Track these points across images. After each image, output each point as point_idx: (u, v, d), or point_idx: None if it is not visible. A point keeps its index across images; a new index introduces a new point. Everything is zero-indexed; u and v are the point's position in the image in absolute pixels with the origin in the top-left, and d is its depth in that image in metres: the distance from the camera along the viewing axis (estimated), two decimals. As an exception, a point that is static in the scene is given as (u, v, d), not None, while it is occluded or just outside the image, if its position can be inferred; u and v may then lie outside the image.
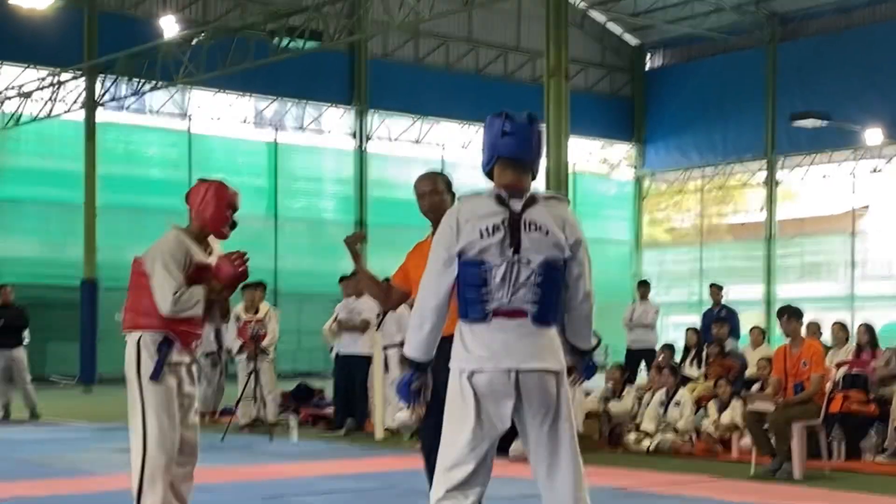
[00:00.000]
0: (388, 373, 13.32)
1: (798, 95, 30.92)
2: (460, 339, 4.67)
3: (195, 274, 6.17)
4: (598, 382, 17.02)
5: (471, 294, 4.61)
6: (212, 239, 6.43)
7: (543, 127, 4.89)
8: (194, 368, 6.35)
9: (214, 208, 6.29)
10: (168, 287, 6.04)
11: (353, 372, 13.92)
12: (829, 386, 11.04)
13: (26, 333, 17.03)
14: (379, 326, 13.61)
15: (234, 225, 6.37)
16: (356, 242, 6.14)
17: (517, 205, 4.63)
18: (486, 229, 4.59)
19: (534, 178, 4.80)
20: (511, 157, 4.71)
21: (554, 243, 4.65)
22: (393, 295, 6.12)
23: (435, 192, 5.95)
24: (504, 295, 4.59)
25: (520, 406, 4.63)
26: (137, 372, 6.08)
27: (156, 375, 6.06)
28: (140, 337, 6.13)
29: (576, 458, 4.74)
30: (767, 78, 32.28)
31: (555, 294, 4.68)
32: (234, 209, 6.36)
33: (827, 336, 14.17)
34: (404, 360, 4.90)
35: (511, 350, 4.59)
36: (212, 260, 6.32)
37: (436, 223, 5.72)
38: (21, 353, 16.69)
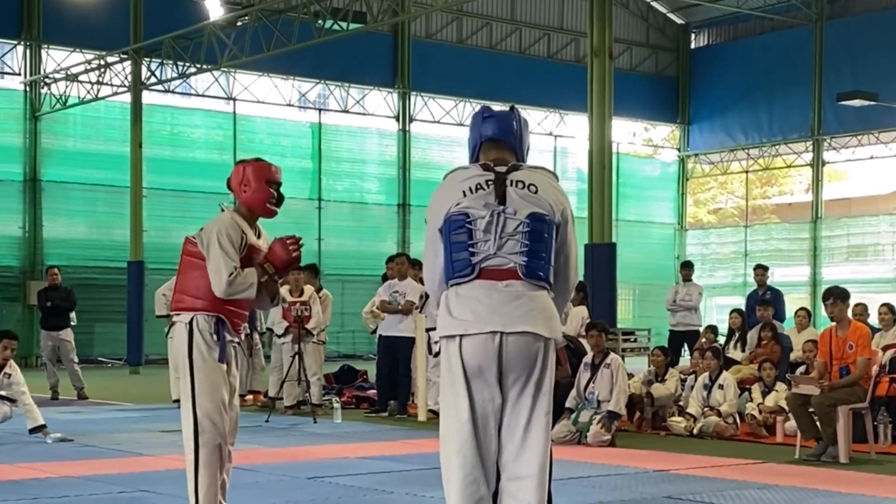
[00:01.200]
0: (431, 355, 13.34)
1: (845, 74, 30.56)
2: (445, 307, 4.56)
3: (248, 256, 6.13)
4: (642, 365, 16.98)
5: (456, 250, 4.54)
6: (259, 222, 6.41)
7: (524, 119, 4.98)
8: (239, 350, 6.38)
9: (255, 187, 6.20)
10: (224, 268, 5.98)
11: (395, 354, 13.96)
12: (875, 369, 10.93)
13: (73, 315, 17.22)
14: (422, 309, 13.63)
15: (279, 200, 6.28)
16: None
17: (501, 168, 4.71)
18: (470, 188, 4.63)
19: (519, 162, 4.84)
20: (493, 138, 4.82)
21: (542, 201, 4.63)
22: None
23: None
24: (490, 246, 4.52)
25: (506, 375, 4.48)
26: (189, 355, 6.05)
27: (222, 358, 6.06)
28: (192, 318, 6.09)
29: (547, 440, 4.55)
30: (814, 57, 31.92)
31: (544, 248, 4.59)
32: (277, 184, 6.26)
33: (874, 318, 14.03)
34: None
35: (497, 312, 4.46)
36: (262, 243, 6.28)
37: None
38: (69, 335, 16.88)
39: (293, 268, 6.37)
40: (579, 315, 13.47)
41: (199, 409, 6.03)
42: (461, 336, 4.47)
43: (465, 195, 4.60)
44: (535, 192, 4.63)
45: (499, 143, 4.82)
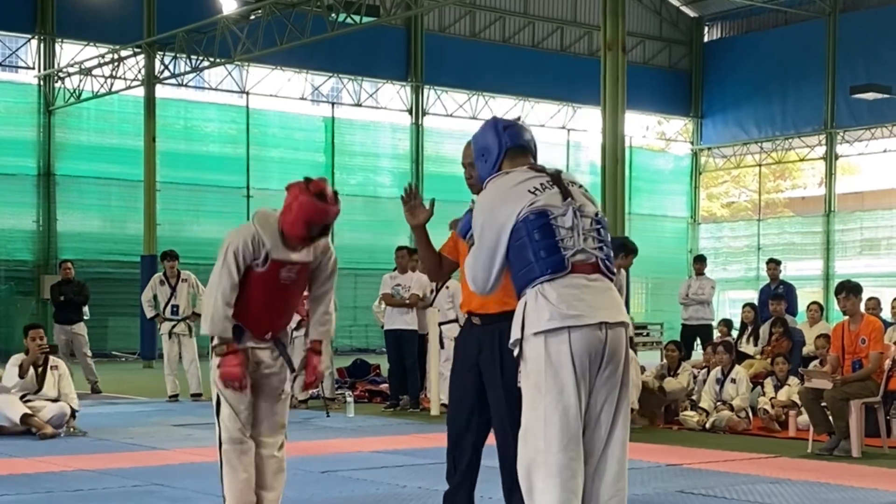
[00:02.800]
0: (443, 349, 13.34)
1: (859, 68, 30.46)
2: (544, 300, 4.44)
3: (270, 270, 5.89)
4: (654, 359, 16.97)
5: (544, 248, 4.48)
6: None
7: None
8: (273, 353, 6.18)
9: (293, 220, 5.84)
10: (217, 287, 5.87)
11: (402, 347, 13.95)
12: (888, 363, 10.90)
13: (86, 309, 17.29)
14: (432, 303, 13.62)
15: (319, 235, 5.95)
16: (413, 198, 5.76)
17: (551, 170, 4.71)
18: (535, 188, 4.58)
19: None
20: (518, 146, 4.82)
21: (594, 199, 4.74)
22: (444, 265, 5.99)
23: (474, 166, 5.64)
24: (577, 241, 4.51)
25: (600, 366, 4.45)
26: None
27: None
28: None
29: (627, 432, 4.60)
30: (828, 50, 31.81)
31: (610, 243, 4.67)
32: (319, 226, 5.87)
33: (887, 312, 14.00)
34: None
35: (599, 303, 4.47)
36: (302, 256, 5.99)
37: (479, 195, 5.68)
38: (82, 329, 16.94)
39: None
40: None
41: (220, 412, 6.05)
42: (570, 328, 4.40)
43: (535, 194, 4.55)
44: (587, 193, 4.73)
45: (525, 151, 4.85)
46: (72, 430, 11.29)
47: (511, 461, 5.17)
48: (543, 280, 4.47)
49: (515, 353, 4.53)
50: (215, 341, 5.95)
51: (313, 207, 5.79)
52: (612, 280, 4.62)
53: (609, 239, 4.69)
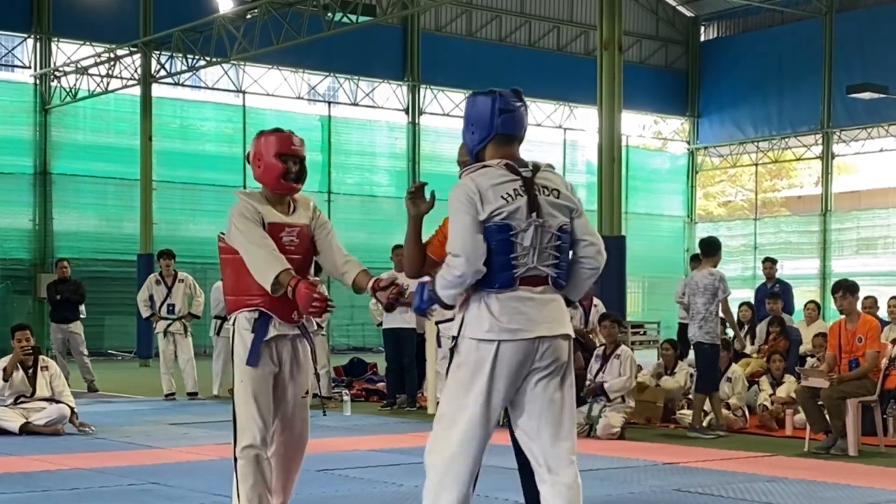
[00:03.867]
0: (440, 347, 13.34)
1: (855, 67, 30.48)
2: (486, 309, 4.65)
3: (272, 233, 5.70)
4: (651, 358, 16.97)
5: (499, 261, 4.63)
6: (301, 196, 5.97)
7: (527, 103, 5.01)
8: (302, 341, 5.88)
9: (265, 164, 5.75)
10: (248, 244, 5.59)
11: (400, 345, 13.95)
12: (884, 362, 10.92)
13: (83, 308, 17.28)
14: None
15: (298, 174, 5.83)
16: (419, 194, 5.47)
17: (526, 172, 4.75)
18: (509, 194, 4.66)
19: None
20: (508, 134, 4.83)
21: (565, 205, 4.78)
22: (427, 263, 5.85)
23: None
24: (531, 259, 4.66)
25: (531, 373, 4.68)
26: (231, 353, 5.83)
27: (251, 361, 5.68)
28: (235, 319, 5.77)
29: (574, 428, 4.81)
30: (824, 49, 31.84)
31: (566, 258, 4.81)
32: (292, 155, 5.80)
33: (883, 312, 14.01)
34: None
35: (539, 317, 4.66)
36: (297, 218, 5.85)
37: None
38: (78, 328, 16.93)
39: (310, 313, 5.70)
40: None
41: (238, 413, 5.73)
42: (501, 341, 4.62)
43: (507, 202, 4.65)
44: (558, 197, 4.77)
45: (512, 139, 4.85)
46: (82, 427, 11.24)
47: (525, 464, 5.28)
48: (491, 291, 4.66)
49: (451, 346, 4.77)
50: (275, 286, 5.55)
51: (277, 137, 5.81)
52: (562, 288, 4.77)
53: (567, 251, 4.77)
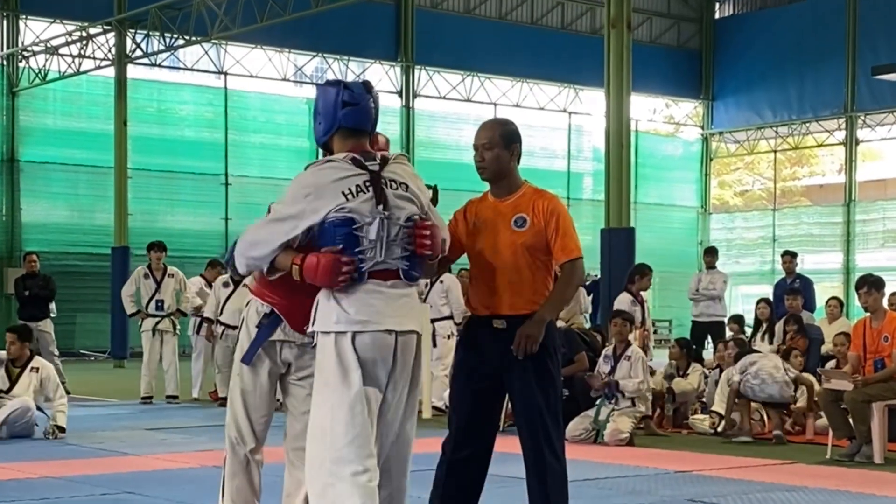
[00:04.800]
0: (435, 347, 13.33)
1: (881, 47, 30.45)
2: (334, 302, 4.89)
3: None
4: (662, 359, 16.94)
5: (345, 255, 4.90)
6: None
7: (378, 95, 5.25)
8: (303, 352, 5.77)
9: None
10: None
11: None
12: (912, 363, 10.91)
13: (53, 306, 17.20)
14: (425, 299, 13.61)
15: None
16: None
17: (373, 166, 4.98)
18: (350, 191, 4.90)
19: (371, 144, 5.18)
20: (352, 128, 5.06)
21: (413, 198, 5.05)
22: (440, 262, 5.92)
23: (488, 147, 5.61)
24: (378, 253, 4.89)
25: (392, 370, 4.95)
26: (236, 342, 5.91)
27: (246, 359, 5.73)
28: (249, 304, 5.82)
29: (414, 432, 5.18)
30: (848, 28, 31.83)
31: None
32: None
33: (911, 308, 14.01)
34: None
35: (389, 311, 4.91)
36: None
37: (490, 182, 5.66)
38: (48, 326, 16.86)
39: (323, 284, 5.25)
40: (624, 301, 13.42)
41: (230, 413, 5.85)
42: (356, 333, 4.87)
43: (347, 198, 4.87)
44: (407, 190, 5.03)
45: (357, 133, 5.09)
46: (52, 433, 11.23)
47: (539, 475, 5.53)
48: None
49: (313, 343, 5.02)
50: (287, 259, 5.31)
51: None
52: (415, 285, 5.07)
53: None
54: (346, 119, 5.04)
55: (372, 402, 4.91)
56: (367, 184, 4.92)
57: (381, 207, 4.89)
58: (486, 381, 5.64)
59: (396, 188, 4.98)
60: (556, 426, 5.63)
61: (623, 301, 13.24)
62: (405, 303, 4.98)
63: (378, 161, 5.00)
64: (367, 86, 5.15)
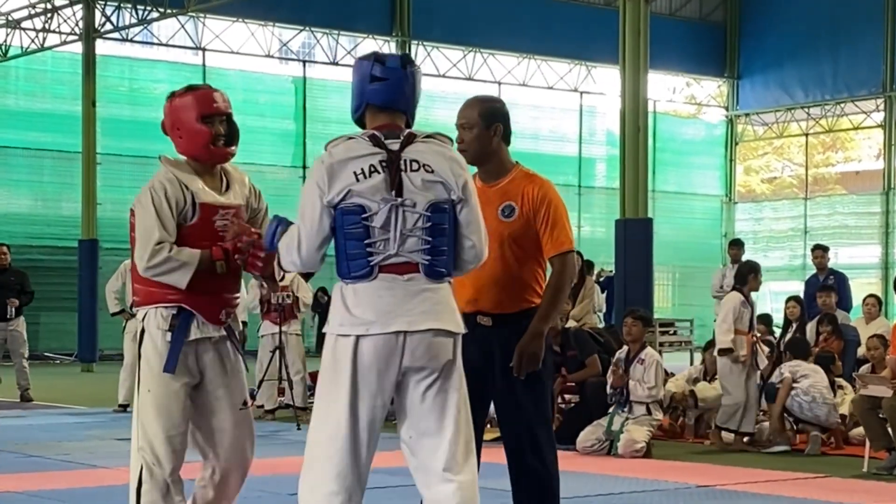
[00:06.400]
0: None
1: (923, 20, 30.50)
2: (341, 302, 4.78)
3: (203, 219, 5.65)
4: (683, 361, 16.97)
5: (353, 248, 4.77)
6: (234, 168, 5.93)
7: (419, 70, 5.14)
8: (229, 344, 5.81)
9: (188, 130, 5.70)
10: (148, 238, 5.51)
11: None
12: (957, 367, 10.90)
13: (16, 300, 16.91)
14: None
15: (231, 137, 5.78)
16: None
17: (394, 145, 4.82)
18: (362, 171, 4.76)
19: (409, 125, 5.00)
20: (380, 105, 4.94)
21: (439, 182, 4.82)
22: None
23: (467, 127, 5.69)
24: (390, 245, 4.73)
25: (405, 374, 4.80)
26: (138, 356, 5.70)
27: (169, 367, 5.59)
28: (146, 314, 5.67)
29: (469, 442, 4.87)
30: (887, -1, 31.83)
31: (446, 241, 4.84)
32: (217, 115, 5.73)
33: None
34: None
35: (401, 310, 4.74)
36: (231, 197, 5.79)
37: (474, 165, 5.65)
38: (21, 325, 16.64)
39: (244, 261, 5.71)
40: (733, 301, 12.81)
41: (142, 434, 5.66)
42: (359, 336, 4.73)
43: (357, 179, 4.74)
44: (432, 172, 4.82)
45: (388, 111, 4.95)
46: None
47: (521, 483, 5.50)
48: (347, 282, 4.81)
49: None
50: (194, 258, 5.59)
51: (193, 99, 5.75)
52: (442, 281, 4.82)
53: (448, 232, 4.82)
54: (373, 95, 4.92)
55: (367, 416, 4.82)
56: (383, 163, 4.77)
57: (393, 193, 4.74)
58: (469, 381, 5.63)
59: (418, 170, 4.79)
60: (545, 429, 5.63)
61: (733, 302, 12.46)
62: (426, 297, 4.77)
63: (402, 140, 4.84)
64: (404, 59, 5.01)
